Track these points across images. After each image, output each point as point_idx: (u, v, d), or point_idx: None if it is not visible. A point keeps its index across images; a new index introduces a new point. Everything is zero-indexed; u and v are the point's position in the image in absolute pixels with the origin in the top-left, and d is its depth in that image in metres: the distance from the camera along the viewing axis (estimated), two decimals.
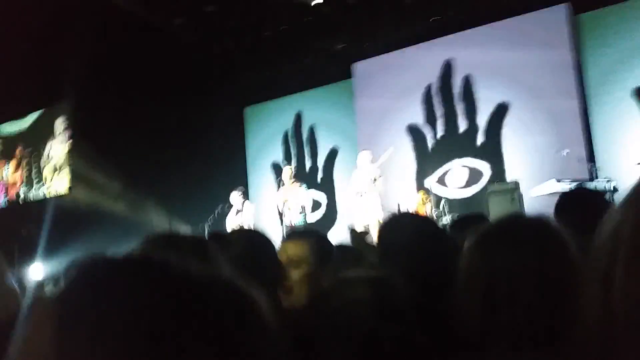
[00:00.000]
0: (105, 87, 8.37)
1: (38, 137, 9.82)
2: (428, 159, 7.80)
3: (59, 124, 9.78)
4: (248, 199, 7.91)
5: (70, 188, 9.20)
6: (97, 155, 8.40)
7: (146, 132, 8.78)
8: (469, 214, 2.83)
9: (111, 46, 8.18)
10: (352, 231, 5.52)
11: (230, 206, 7.51)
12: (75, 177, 9.13)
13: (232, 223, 7.35)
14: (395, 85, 8.13)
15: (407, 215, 1.64)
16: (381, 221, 5.98)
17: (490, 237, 0.94)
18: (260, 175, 9.44)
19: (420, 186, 7.58)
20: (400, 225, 1.35)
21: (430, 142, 7.91)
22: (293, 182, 7.02)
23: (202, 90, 9.31)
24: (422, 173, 7.77)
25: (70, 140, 9.39)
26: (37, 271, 7.81)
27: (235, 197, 7.46)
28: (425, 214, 6.49)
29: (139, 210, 8.38)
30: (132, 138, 8.57)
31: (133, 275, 0.45)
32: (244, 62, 9.09)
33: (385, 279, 0.96)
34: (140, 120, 8.65)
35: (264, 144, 9.50)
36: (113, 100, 8.40)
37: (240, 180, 9.01)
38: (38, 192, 9.73)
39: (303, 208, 6.92)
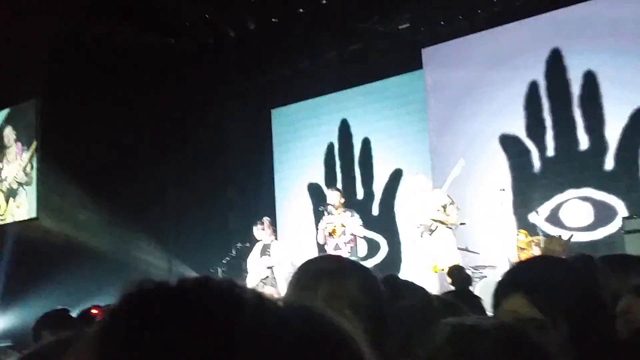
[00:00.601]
0: (81, 86, 8.56)
1: None
2: (532, 185, 7.52)
3: (9, 134, 9.87)
4: (276, 233, 7.80)
5: (36, 218, 9.23)
6: (71, 175, 8.54)
7: (138, 146, 8.92)
8: (611, 255, 2.71)
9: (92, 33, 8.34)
10: (456, 269, 5.33)
11: (253, 243, 7.48)
12: (43, 203, 9.26)
13: (256, 265, 7.31)
14: (485, 79, 7.91)
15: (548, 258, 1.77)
16: (457, 264, 5.93)
17: None
18: (292, 202, 9.32)
19: (521, 221, 7.31)
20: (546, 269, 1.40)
21: (536, 162, 7.60)
22: (344, 211, 6.91)
23: (215, 89, 9.43)
24: (524, 203, 7.49)
25: (34, 155, 9.50)
26: None
27: (259, 231, 7.43)
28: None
29: (128, 247, 8.32)
30: (117, 153, 8.70)
31: (188, 306, 0.50)
32: (269, 50, 9.10)
33: (539, 325, 1.10)
34: (127, 131, 8.79)
35: (298, 159, 9.40)
36: (92, 103, 8.58)
37: (265, 208, 8.98)
38: None
39: (354, 245, 6.84)
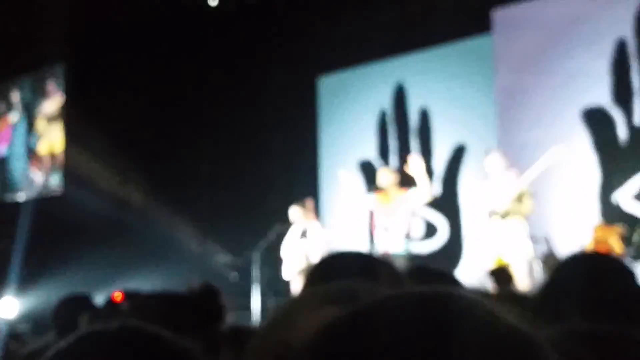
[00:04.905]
0: (110, 50, 8.73)
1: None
2: (618, 160, 7.25)
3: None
4: (318, 215, 7.78)
5: (60, 192, 9.38)
6: (99, 147, 8.69)
7: (170, 116, 9.01)
8: None
9: None
10: (496, 271, 5.31)
11: (290, 225, 7.48)
12: (69, 176, 9.31)
13: (292, 250, 7.31)
14: (563, 43, 7.67)
15: (593, 256, 1.83)
16: (532, 259, 5.78)
17: None
18: (338, 181, 9.11)
19: (605, 207, 7.07)
20: (579, 270, 1.50)
21: (622, 132, 7.32)
22: (399, 189, 6.75)
23: (255, 55, 9.40)
24: (609, 185, 7.22)
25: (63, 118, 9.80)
26: (9, 307, 7.87)
27: (297, 212, 7.39)
28: (609, 251, 6.18)
29: (158, 225, 8.32)
30: (148, 124, 8.85)
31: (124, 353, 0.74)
32: (316, 11, 9.01)
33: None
34: (159, 99, 8.91)
35: (348, 133, 9.25)
36: (122, 68, 8.77)
37: (307, 187, 8.92)
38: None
39: (409, 230, 6.70)
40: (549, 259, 6.11)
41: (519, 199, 6.30)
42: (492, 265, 6.10)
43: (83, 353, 0.83)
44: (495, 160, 6.48)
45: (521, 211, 6.32)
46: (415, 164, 6.69)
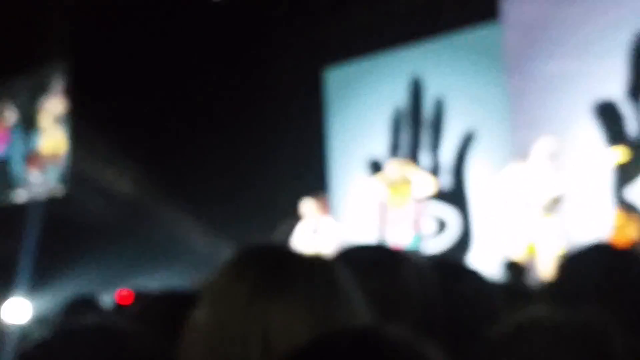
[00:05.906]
0: (112, 44, 8.85)
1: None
2: (631, 154, 7.22)
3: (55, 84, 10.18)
4: (329, 210, 7.79)
5: (66, 192, 9.42)
6: (104, 145, 8.72)
7: (174, 112, 9.04)
8: None
9: None
10: (511, 264, 5.33)
11: (300, 220, 7.49)
12: (75, 176, 9.34)
13: (303, 246, 7.23)
14: (576, 32, 7.65)
15: (603, 248, 1.77)
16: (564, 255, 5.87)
17: None
18: (348, 177, 9.13)
19: (620, 199, 7.10)
20: (590, 262, 1.51)
21: (633, 126, 7.29)
22: (408, 184, 6.77)
23: (258, 48, 9.41)
24: (623, 178, 7.22)
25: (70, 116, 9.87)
26: (19, 310, 7.90)
27: (309, 207, 7.28)
28: (628, 243, 6.20)
29: (165, 223, 8.34)
30: (152, 120, 8.93)
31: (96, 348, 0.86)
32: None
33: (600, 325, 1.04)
34: (162, 94, 8.97)
35: (357, 127, 9.18)
36: (124, 63, 8.82)
37: (315, 183, 8.93)
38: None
39: (419, 225, 6.79)
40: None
41: (557, 198, 6.45)
42: (518, 255, 6.18)
43: (57, 349, 0.91)
44: (545, 145, 6.52)
45: (555, 210, 6.46)
46: (407, 168, 6.72)
